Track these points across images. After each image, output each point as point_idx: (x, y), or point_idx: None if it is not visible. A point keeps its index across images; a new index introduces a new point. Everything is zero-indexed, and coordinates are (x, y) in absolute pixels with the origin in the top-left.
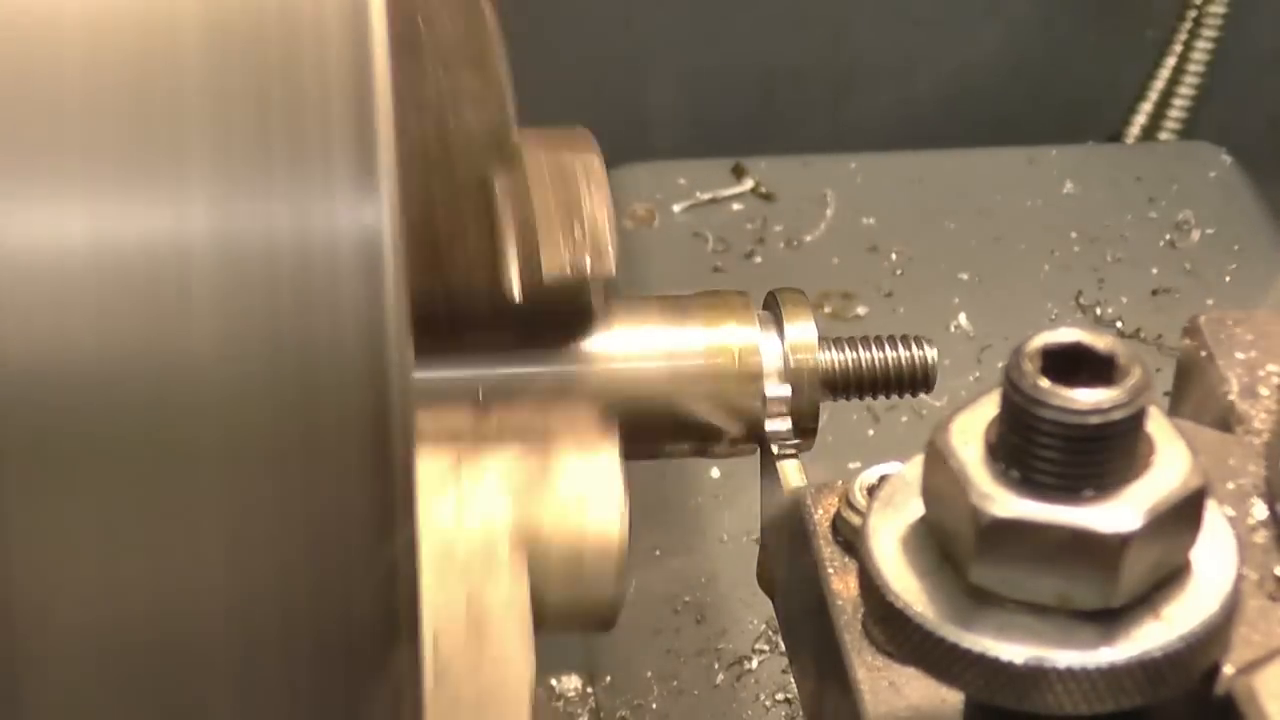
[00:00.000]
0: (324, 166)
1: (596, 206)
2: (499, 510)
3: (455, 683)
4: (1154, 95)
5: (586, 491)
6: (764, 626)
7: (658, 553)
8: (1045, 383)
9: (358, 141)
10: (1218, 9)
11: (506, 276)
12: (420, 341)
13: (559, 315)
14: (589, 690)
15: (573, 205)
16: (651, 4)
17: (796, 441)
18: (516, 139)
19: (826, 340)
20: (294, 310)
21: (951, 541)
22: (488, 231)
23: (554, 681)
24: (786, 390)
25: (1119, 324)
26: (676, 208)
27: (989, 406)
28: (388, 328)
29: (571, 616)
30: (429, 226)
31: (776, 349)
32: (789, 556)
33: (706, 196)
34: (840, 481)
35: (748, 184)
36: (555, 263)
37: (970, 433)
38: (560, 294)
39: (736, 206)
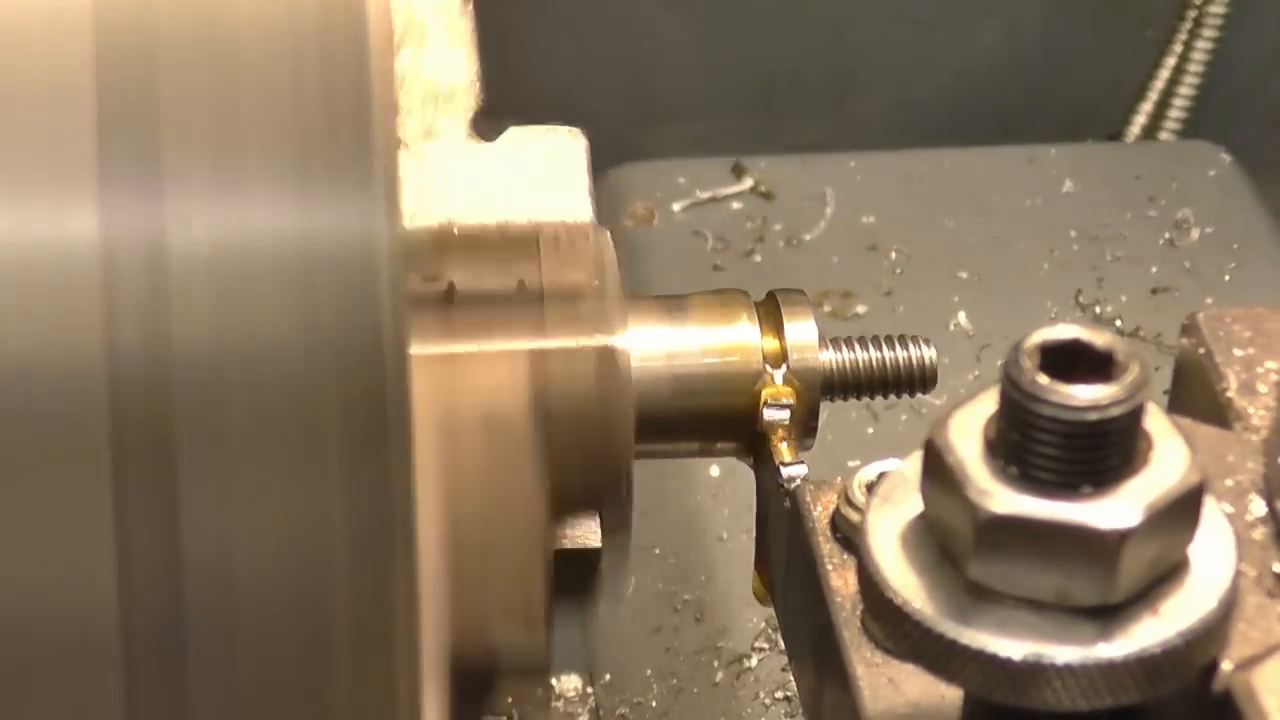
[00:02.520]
0: (325, 170)
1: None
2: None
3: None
4: (1154, 95)
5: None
6: (763, 624)
7: (657, 551)
8: (1044, 379)
9: (356, 144)
10: (1218, 9)
11: None
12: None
13: None
14: (589, 690)
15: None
16: (652, 3)
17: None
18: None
19: (827, 340)
20: (295, 311)
21: (950, 538)
22: None
23: (554, 681)
24: (787, 390)
25: (1118, 322)
26: (676, 206)
27: (987, 403)
28: (384, 330)
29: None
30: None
31: (776, 349)
32: (787, 554)
33: (706, 195)
34: (839, 478)
35: (747, 183)
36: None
37: (969, 429)
38: None
39: (736, 205)
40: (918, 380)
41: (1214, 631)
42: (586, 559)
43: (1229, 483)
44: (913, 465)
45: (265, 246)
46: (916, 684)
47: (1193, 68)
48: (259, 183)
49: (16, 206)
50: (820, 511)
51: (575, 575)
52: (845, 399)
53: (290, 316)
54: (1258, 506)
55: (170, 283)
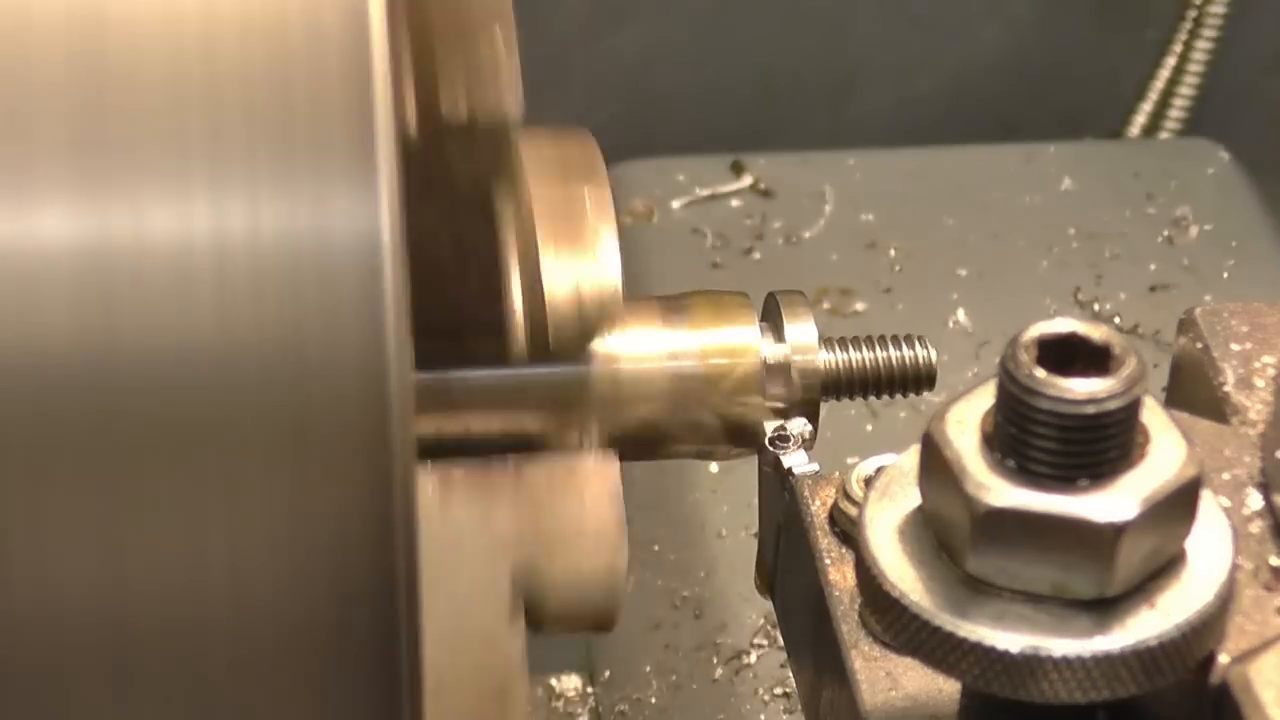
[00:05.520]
0: (323, 166)
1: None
2: (503, 583)
3: None
4: (1154, 95)
5: (584, 512)
6: (762, 621)
7: (656, 548)
8: (1041, 372)
9: (357, 141)
10: (1218, 9)
11: (513, 336)
12: (418, 345)
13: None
14: (589, 689)
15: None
16: (652, 2)
17: (797, 438)
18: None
19: (827, 341)
20: (294, 309)
21: (948, 531)
22: (491, 269)
23: (553, 681)
24: (787, 391)
25: (1117, 320)
26: (676, 204)
27: (985, 396)
28: (387, 328)
29: (572, 619)
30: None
31: (776, 350)
32: (786, 550)
33: (706, 193)
34: (837, 473)
35: (747, 180)
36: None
37: (966, 422)
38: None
39: (735, 203)
40: (919, 380)
41: (1211, 625)
42: None
43: (1226, 477)
44: (910, 459)
45: (266, 243)
46: (914, 677)
47: (1193, 67)
48: (255, 179)
49: (16, 204)
50: (818, 506)
51: None
52: (845, 399)
53: (288, 315)
54: (1255, 500)
55: (170, 279)
